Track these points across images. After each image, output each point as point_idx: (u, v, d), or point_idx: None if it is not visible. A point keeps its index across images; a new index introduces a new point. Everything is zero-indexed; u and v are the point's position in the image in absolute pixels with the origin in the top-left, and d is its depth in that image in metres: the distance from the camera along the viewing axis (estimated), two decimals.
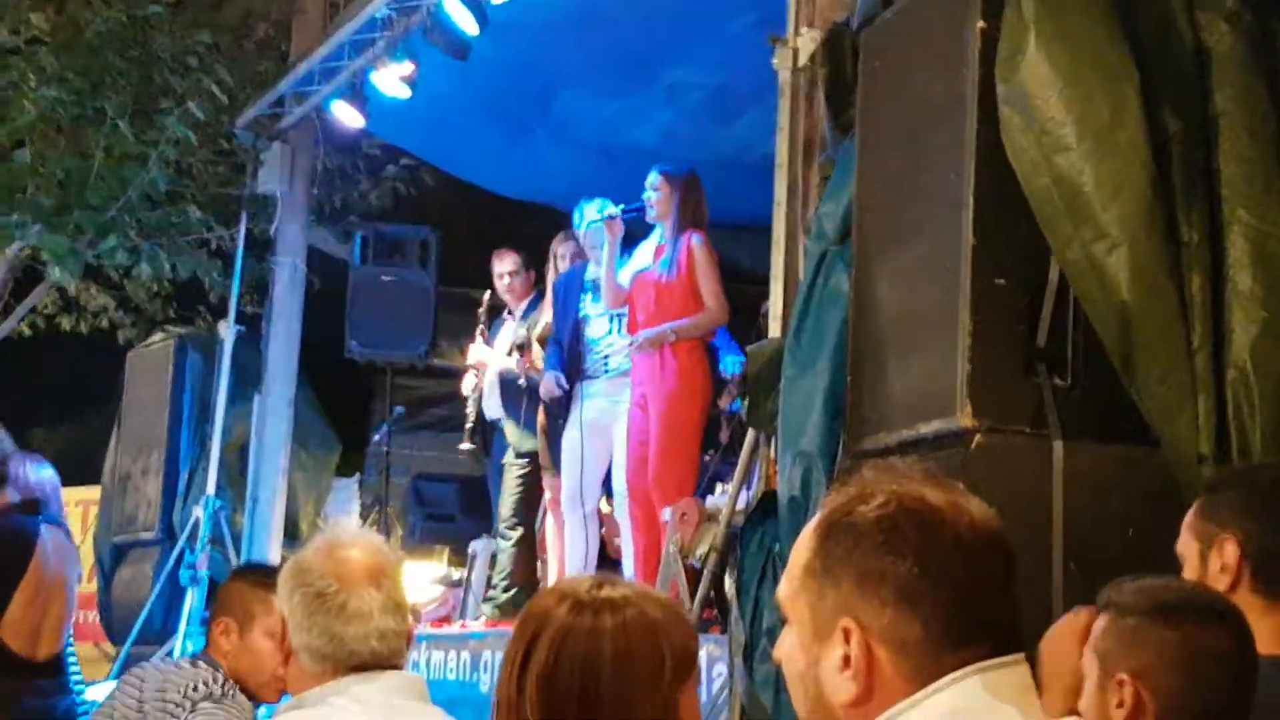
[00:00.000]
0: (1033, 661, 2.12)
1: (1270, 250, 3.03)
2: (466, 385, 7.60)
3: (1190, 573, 2.44)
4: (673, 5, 6.43)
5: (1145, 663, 2.07)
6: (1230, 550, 2.39)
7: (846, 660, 1.48)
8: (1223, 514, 2.45)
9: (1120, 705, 2.07)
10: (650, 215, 6.19)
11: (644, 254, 6.29)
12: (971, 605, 1.46)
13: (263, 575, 3.53)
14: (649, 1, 6.45)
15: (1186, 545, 2.47)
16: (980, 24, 3.30)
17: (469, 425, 7.56)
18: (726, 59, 6.48)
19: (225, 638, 3.40)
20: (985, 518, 1.51)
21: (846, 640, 1.48)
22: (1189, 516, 2.49)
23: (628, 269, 6.29)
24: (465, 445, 7.63)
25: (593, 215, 6.50)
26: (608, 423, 6.34)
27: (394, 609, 2.39)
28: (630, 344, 6.14)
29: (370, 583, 2.37)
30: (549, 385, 6.55)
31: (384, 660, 2.36)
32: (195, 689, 3.30)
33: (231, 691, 3.33)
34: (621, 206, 6.27)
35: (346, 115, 7.88)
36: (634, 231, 6.44)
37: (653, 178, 6.17)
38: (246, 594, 3.45)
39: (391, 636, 2.38)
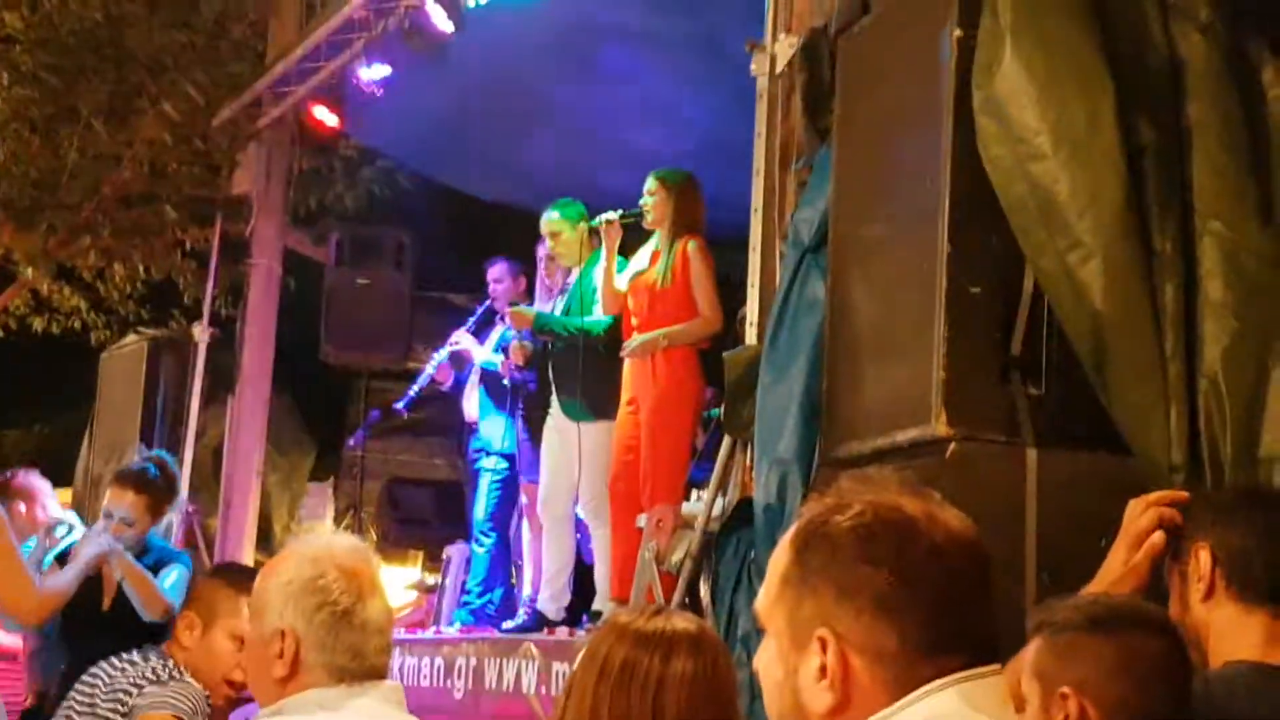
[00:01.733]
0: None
1: (1242, 261, 3.04)
2: (434, 361, 7.52)
3: (1173, 598, 2.43)
4: (650, 9, 6.43)
5: (1085, 674, 2.08)
6: (1204, 558, 2.40)
7: (823, 670, 1.48)
8: (1191, 525, 2.46)
9: (1065, 718, 2.08)
10: (647, 221, 6.16)
11: (642, 259, 6.26)
12: (948, 615, 1.47)
13: (239, 576, 3.54)
14: (628, 5, 6.45)
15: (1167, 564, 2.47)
16: (957, 32, 3.30)
17: (415, 391, 7.53)
18: (708, 63, 6.48)
19: (189, 632, 3.43)
20: (961, 527, 1.52)
21: (824, 650, 1.48)
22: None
23: (627, 273, 6.27)
24: (399, 405, 7.62)
25: (555, 220, 6.49)
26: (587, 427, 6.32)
27: (391, 610, 2.42)
28: (623, 349, 6.11)
29: (374, 593, 2.38)
30: (517, 349, 6.53)
31: (384, 671, 2.38)
32: (144, 677, 3.32)
33: (179, 674, 3.34)
34: (620, 212, 6.25)
35: (323, 116, 7.85)
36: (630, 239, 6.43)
37: (649, 183, 6.13)
38: (217, 592, 3.47)
39: (391, 646, 2.40)
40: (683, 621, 2.20)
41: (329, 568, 2.36)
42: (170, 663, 3.39)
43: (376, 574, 2.42)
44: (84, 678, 3.44)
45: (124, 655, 3.48)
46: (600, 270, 6.35)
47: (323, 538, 2.47)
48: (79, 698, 3.40)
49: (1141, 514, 2.51)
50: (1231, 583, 2.37)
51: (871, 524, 1.49)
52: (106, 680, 3.39)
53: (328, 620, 2.32)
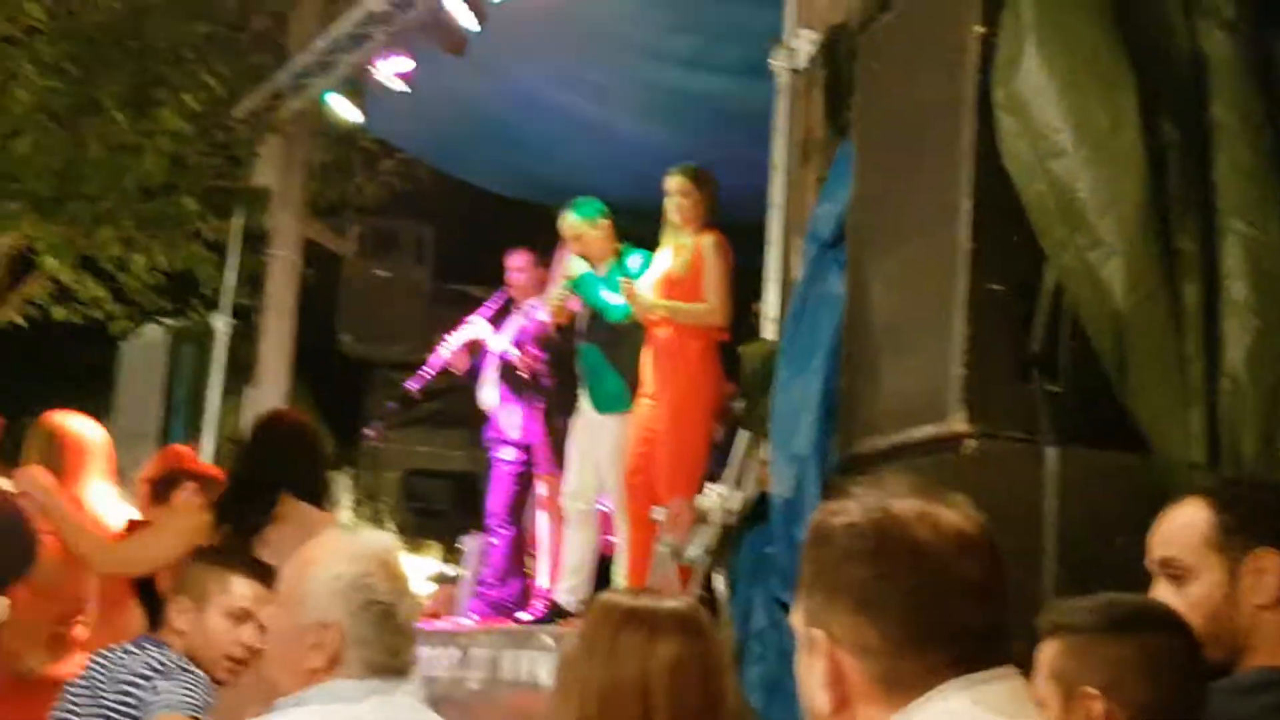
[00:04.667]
0: (1030, 667, 2.13)
1: (1265, 260, 3.03)
2: (448, 346, 7.51)
3: (1208, 588, 2.37)
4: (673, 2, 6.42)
5: (1109, 675, 2.08)
6: (1272, 562, 2.35)
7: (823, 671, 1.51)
8: (1260, 527, 2.38)
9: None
10: (674, 220, 6.15)
11: (662, 256, 6.26)
12: (930, 609, 1.48)
13: (218, 556, 3.59)
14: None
15: (1202, 559, 2.40)
16: (979, 29, 3.29)
17: (429, 371, 7.54)
18: (726, 57, 6.47)
19: (181, 616, 3.44)
20: (956, 523, 1.52)
21: (820, 651, 1.51)
22: (1206, 530, 2.41)
23: (649, 275, 6.26)
24: (412, 384, 7.64)
25: (575, 222, 6.49)
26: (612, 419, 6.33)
27: (418, 614, 2.51)
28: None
29: (407, 593, 2.44)
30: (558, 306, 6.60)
31: (410, 669, 2.44)
32: (149, 668, 3.33)
33: (182, 664, 3.36)
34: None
35: (343, 109, 7.87)
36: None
37: (678, 181, 6.09)
38: (203, 574, 3.49)
39: (416, 644, 2.47)
40: (672, 601, 2.22)
41: (374, 566, 2.41)
42: (168, 650, 3.40)
43: (404, 569, 2.48)
44: (80, 676, 3.44)
45: (116, 647, 3.49)
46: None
47: (358, 534, 2.53)
48: (76, 693, 3.40)
49: None
50: None
51: (858, 523, 1.52)
52: (105, 671, 3.39)
53: (373, 618, 2.37)
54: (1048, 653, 2.15)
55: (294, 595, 2.45)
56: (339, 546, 2.48)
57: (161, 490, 4.95)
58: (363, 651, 2.36)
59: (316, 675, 2.37)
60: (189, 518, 4.46)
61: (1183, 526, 2.38)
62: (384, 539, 2.54)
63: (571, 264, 6.46)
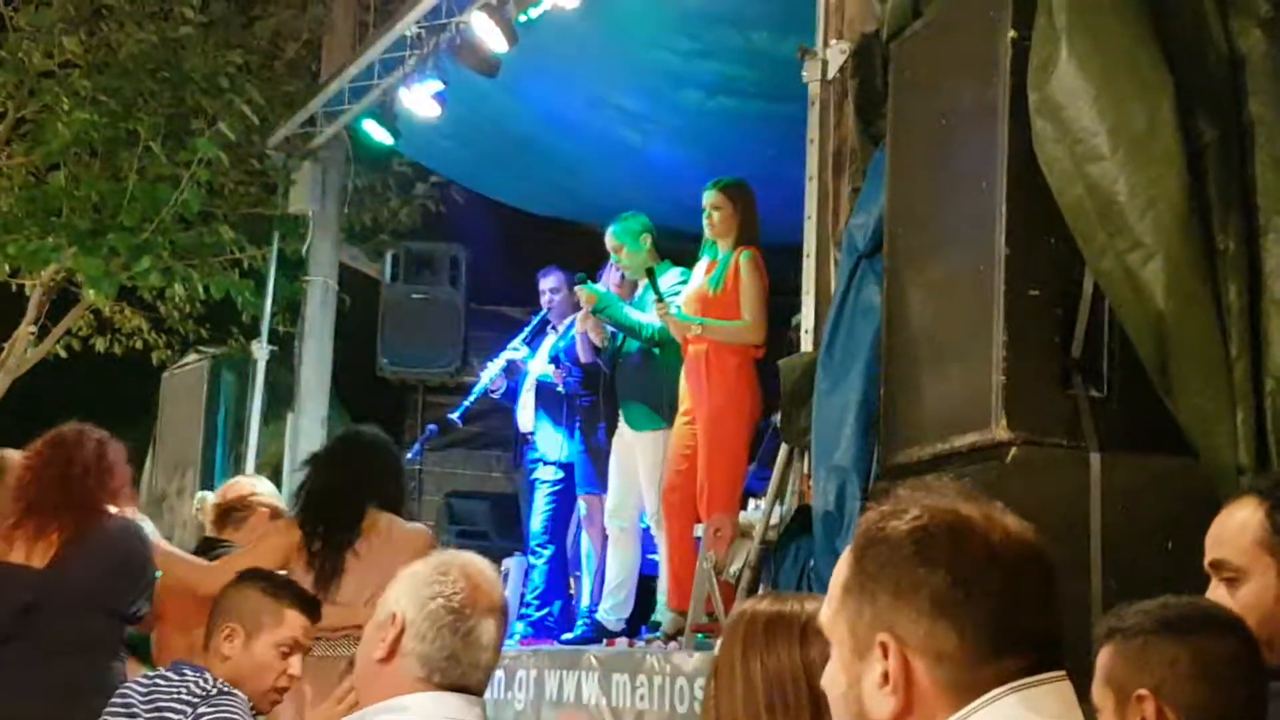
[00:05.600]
0: (1078, 675, 2.10)
1: None
2: (489, 372, 7.54)
3: (1260, 588, 2.33)
4: (702, 21, 6.43)
5: (1161, 677, 2.06)
6: None
7: (885, 676, 1.47)
8: None
9: None
10: (709, 233, 6.14)
11: (698, 273, 6.25)
12: (1008, 615, 1.46)
13: (273, 585, 3.55)
14: (678, 18, 6.46)
15: (1255, 560, 2.36)
16: (1011, 33, 3.27)
17: (470, 401, 7.56)
18: (757, 75, 6.48)
19: (229, 642, 3.40)
20: (1021, 530, 1.51)
21: (885, 655, 1.48)
22: (1257, 530, 2.37)
23: (685, 291, 6.26)
24: (453, 415, 7.66)
25: (617, 234, 6.50)
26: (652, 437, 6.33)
27: (500, 645, 2.46)
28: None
29: (491, 615, 2.43)
30: (594, 327, 6.62)
31: (479, 690, 2.42)
32: (191, 693, 3.32)
33: (224, 688, 3.34)
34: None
35: (377, 134, 7.92)
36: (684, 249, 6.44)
37: (713, 196, 6.07)
38: (258, 602, 3.46)
39: (492, 670, 2.45)
40: (814, 603, 2.19)
41: (454, 570, 2.44)
42: (209, 675, 3.38)
43: (500, 600, 2.48)
44: (114, 700, 3.43)
45: (151, 673, 3.48)
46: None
47: (464, 554, 2.56)
48: (115, 711, 3.38)
49: None
50: None
51: (928, 526, 1.49)
52: (143, 695, 3.37)
53: (436, 612, 2.38)
54: (1103, 657, 2.13)
55: (384, 597, 2.48)
56: (439, 555, 2.52)
57: (232, 516, 5.00)
58: (420, 645, 2.37)
59: (382, 666, 2.38)
60: (282, 536, 4.54)
61: (1235, 527, 2.35)
62: (478, 559, 2.54)
63: (583, 291, 6.50)
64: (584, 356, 6.95)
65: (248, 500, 5.04)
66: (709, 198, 6.09)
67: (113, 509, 4.19)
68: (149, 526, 4.54)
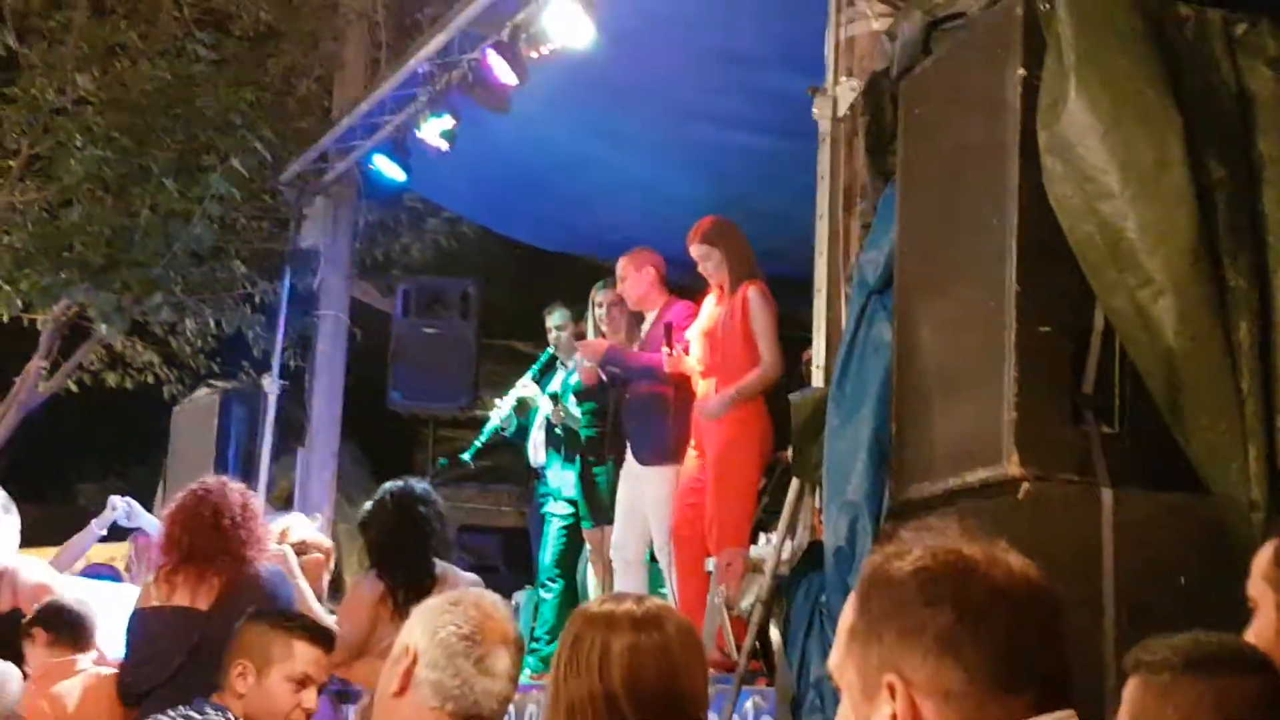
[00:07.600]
0: (1090, 712, 2.10)
1: None
2: (500, 411, 7.55)
3: (1265, 621, 2.36)
4: (713, 59, 6.48)
5: (1186, 715, 2.05)
6: None
7: (894, 717, 1.48)
8: None
9: None
10: (709, 281, 6.18)
11: (707, 307, 6.27)
12: (1014, 653, 1.46)
13: (283, 619, 3.58)
14: (687, 56, 6.50)
15: (1262, 594, 2.39)
16: (1021, 71, 3.29)
17: (481, 441, 7.60)
18: (767, 112, 6.51)
19: (242, 680, 3.43)
20: (1024, 568, 1.52)
21: (893, 696, 1.48)
22: (1265, 564, 2.41)
23: (694, 328, 6.27)
24: (466, 456, 7.74)
25: (623, 264, 6.56)
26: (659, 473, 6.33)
27: (515, 678, 2.49)
28: (697, 410, 6.11)
29: (504, 645, 2.47)
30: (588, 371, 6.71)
31: (493, 708, 2.44)
32: None
33: None
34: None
35: (388, 170, 7.96)
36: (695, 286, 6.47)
37: (696, 249, 6.07)
38: (267, 637, 3.49)
39: (507, 703, 2.48)
40: (630, 603, 2.32)
41: (467, 603, 2.48)
42: (229, 713, 3.40)
43: (514, 633, 2.52)
44: None
45: (175, 710, 3.50)
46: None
47: (476, 589, 2.60)
48: None
49: None
50: None
51: (931, 566, 1.50)
52: None
53: (447, 640, 2.41)
54: (1130, 689, 2.13)
55: (401, 633, 2.52)
56: (448, 593, 2.59)
57: None
58: (433, 673, 2.39)
59: (397, 699, 2.41)
60: (365, 590, 4.93)
61: (1255, 562, 2.37)
62: (490, 593, 2.61)
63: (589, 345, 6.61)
64: (557, 421, 7.03)
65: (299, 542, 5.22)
66: (693, 251, 6.10)
67: (257, 556, 4.35)
68: (294, 561, 4.94)
